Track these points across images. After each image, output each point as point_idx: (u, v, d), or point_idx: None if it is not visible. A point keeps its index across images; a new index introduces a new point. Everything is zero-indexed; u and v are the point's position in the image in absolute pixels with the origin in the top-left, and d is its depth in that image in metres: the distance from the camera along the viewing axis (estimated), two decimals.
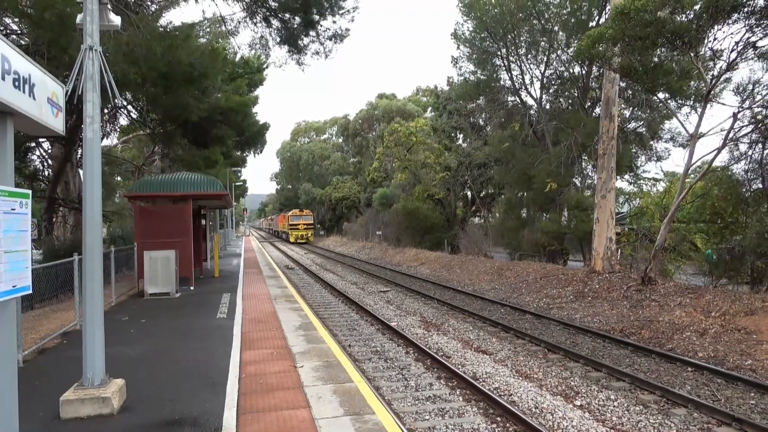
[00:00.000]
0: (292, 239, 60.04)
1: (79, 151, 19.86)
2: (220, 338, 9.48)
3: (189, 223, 16.26)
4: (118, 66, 12.36)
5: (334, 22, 19.04)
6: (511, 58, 28.56)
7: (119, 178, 34.33)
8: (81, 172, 18.95)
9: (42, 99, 4.27)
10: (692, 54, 14.09)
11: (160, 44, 13.09)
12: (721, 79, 15.58)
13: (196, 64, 14.93)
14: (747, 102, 15.24)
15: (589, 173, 27.35)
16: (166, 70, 14.38)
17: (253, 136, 29.44)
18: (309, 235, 61.19)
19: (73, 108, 14.86)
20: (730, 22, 13.42)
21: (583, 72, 26.62)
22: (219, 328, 10.37)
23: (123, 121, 24.33)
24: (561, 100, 29.72)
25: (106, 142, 26.04)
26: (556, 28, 26.83)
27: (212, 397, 6.28)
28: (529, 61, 28.89)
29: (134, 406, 6.04)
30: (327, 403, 6.16)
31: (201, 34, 18.64)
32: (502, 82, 30.07)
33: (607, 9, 23.57)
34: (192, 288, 16.27)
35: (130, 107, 21.68)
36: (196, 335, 9.79)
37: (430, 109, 56.75)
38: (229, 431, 5.30)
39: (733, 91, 16.39)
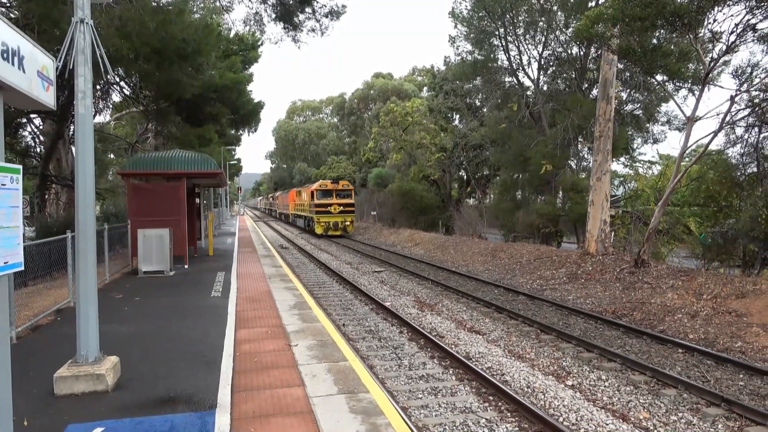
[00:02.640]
0: (319, 229, 35.19)
1: (72, 127, 19.65)
2: (215, 317, 9.49)
3: (183, 202, 16.17)
4: (111, 41, 12.18)
5: None
6: (509, 38, 28.30)
7: (112, 156, 34.06)
8: (73, 148, 18.74)
9: (32, 72, 4.17)
10: (691, 36, 13.98)
11: (153, 19, 12.89)
12: (720, 61, 15.51)
13: (189, 40, 14.75)
14: (745, 85, 15.20)
15: (585, 155, 27.34)
16: (159, 46, 14.20)
17: (248, 115, 29.22)
18: (348, 222, 35.78)
19: (65, 84, 14.66)
20: (731, 3, 13.30)
21: (581, 53, 26.44)
22: (213, 307, 10.38)
23: (116, 97, 24.09)
24: (558, 81, 29.56)
25: (98, 119, 25.78)
26: (555, 7, 26.57)
27: (207, 375, 6.30)
28: (527, 42, 28.65)
29: (129, 384, 6.05)
30: (321, 381, 6.19)
31: (195, 9, 18.38)
32: (499, 63, 29.85)
33: None
34: (186, 266, 16.25)
35: (122, 83, 21.42)
36: (190, 313, 9.80)
37: (426, 89, 56.35)
38: (223, 408, 5.32)
39: (731, 74, 16.35)
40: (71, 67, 5.87)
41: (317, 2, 18.95)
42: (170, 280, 13.97)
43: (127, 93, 22.29)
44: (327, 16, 19.33)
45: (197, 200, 23.14)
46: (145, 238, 14.28)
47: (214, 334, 8.21)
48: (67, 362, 5.96)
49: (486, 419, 6.35)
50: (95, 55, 6.03)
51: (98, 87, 20.37)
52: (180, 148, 20.52)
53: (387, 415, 5.21)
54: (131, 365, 6.58)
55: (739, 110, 15.36)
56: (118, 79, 20.31)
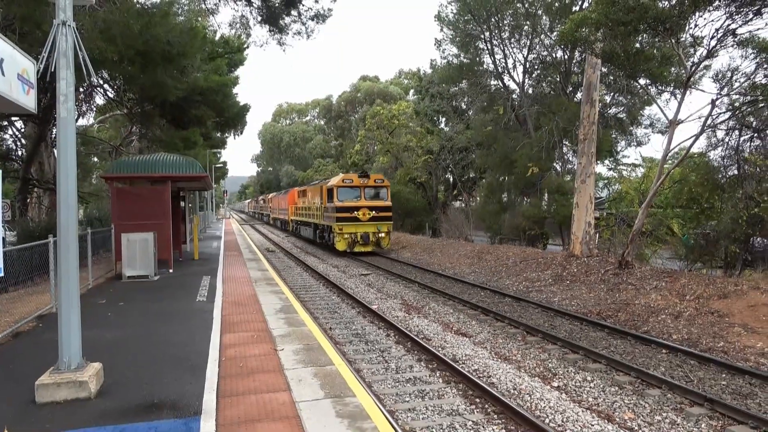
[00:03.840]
0: (341, 244, 24.68)
1: (54, 130, 19.40)
2: (200, 321, 9.41)
3: (168, 205, 16.03)
4: (94, 43, 12.06)
5: (317, 1, 18.81)
6: (494, 42, 28.49)
7: (96, 159, 33.69)
8: (56, 152, 18.52)
9: (12, 75, 4.12)
10: (673, 40, 14.18)
11: (137, 22, 12.79)
12: (701, 66, 15.74)
13: (174, 42, 14.65)
14: (725, 89, 15.44)
15: (570, 158, 27.57)
16: (144, 49, 14.09)
17: (234, 117, 29.07)
18: (384, 233, 25.09)
19: (47, 86, 14.49)
20: (711, 8, 13.51)
21: (566, 57, 26.69)
22: (199, 311, 10.29)
23: (99, 100, 23.85)
24: (543, 84, 29.80)
25: (82, 121, 25.48)
26: (539, 11, 26.80)
27: (192, 381, 6.24)
28: (512, 45, 28.86)
29: (112, 390, 5.97)
30: (307, 385, 6.16)
31: (180, 12, 18.25)
32: (485, 66, 30.04)
33: None
34: (171, 271, 16.10)
35: (106, 86, 21.22)
36: (175, 318, 9.71)
37: (412, 92, 56.49)
38: (208, 414, 5.28)
39: (712, 78, 16.59)
40: (53, 69, 5.80)
41: (303, 5, 18.95)
42: (155, 284, 13.84)
43: (111, 96, 22.09)
44: (313, 20, 19.34)
45: (182, 204, 22.94)
46: (129, 242, 14.13)
47: (199, 339, 8.14)
48: (49, 369, 5.87)
49: (473, 421, 6.36)
50: (78, 57, 5.97)
51: (81, 90, 20.15)
52: (165, 151, 20.36)
53: (374, 419, 5.20)
54: (115, 371, 6.50)
55: (720, 114, 15.61)
56: (101, 82, 20.13)
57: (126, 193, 16.24)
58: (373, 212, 24.42)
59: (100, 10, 12.41)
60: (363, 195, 24.64)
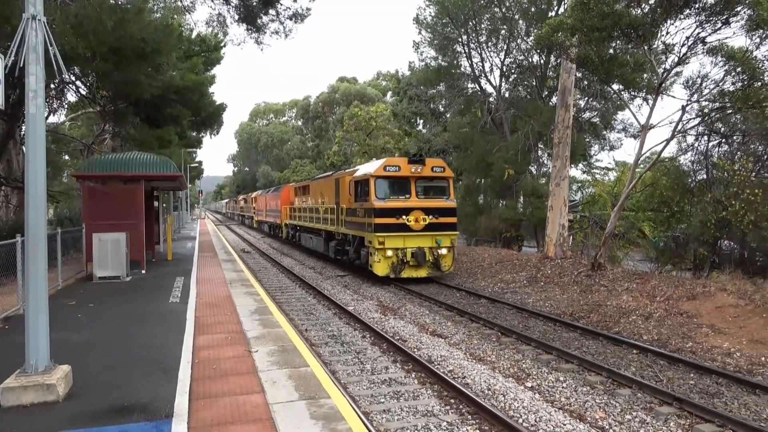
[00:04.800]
0: (381, 266, 16.17)
1: (23, 127, 18.93)
2: (173, 323, 9.27)
3: (141, 205, 15.79)
4: (66, 39, 11.81)
5: (295, 0, 18.70)
6: (471, 45, 28.72)
7: (67, 157, 32.94)
8: (25, 149, 18.09)
9: None
10: (646, 47, 14.49)
11: (110, 17, 12.55)
12: (672, 72, 16.09)
13: (149, 39, 14.45)
14: (695, 96, 15.80)
15: (545, 161, 27.93)
16: (117, 45, 13.86)
17: (210, 117, 28.77)
18: (446, 250, 16.76)
19: (16, 82, 14.12)
20: (682, 16, 13.84)
21: (542, 61, 27.05)
22: (171, 313, 10.14)
23: (71, 97, 23.35)
24: (520, 88, 30.15)
25: (53, 119, 24.94)
26: (516, 16, 27.12)
27: (163, 383, 6.15)
28: (489, 49, 29.14)
29: (81, 393, 5.85)
30: (282, 387, 6.12)
31: (155, 8, 18.00)
32: (462, 69, 30.25)
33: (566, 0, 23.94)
34: (144, 271, 15.84)
35: (78, 83, 20.78)
36: (147, 320, 9.55)
37: (390, 93, 56.65)
38: (180, 417, 5.20)
39: (682, 84, 16.96)
40: (22, 65, 5.67)
41: (281, 5, 18.84)
42: (127, 285, 13.60)
43: (84, 93, 21.63)
44: (291, 19, 19.23)
45: (156, 203, 22.61)
46: (100, 243, 13.86)
47: (172, 341, 8.02)
48: (15, 372, 5.73)
49: (447, 422, 6.39)
50: (48, 53, 5.84)
51: (52, 86, 19.71)
52: (138, 150, 20.04)
53: (348, 421, 5.19)
54: (84, 374, 6.36)
55: (690, 119, 15.97)
56: (73, 78, 19.71)
57: (98, 192, 15.94)
58: (430, 217, 16.23)
59: (72, 5, 12.16)
60: (414, 190, 16.51)
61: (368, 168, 17.53)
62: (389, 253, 15.99)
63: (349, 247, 18.69)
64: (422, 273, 16.52)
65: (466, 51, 28.94)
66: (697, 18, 13.78)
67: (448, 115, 38.12)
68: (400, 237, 16.06)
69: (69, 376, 5.98)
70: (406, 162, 16.56)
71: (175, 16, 20.07)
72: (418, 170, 16.54)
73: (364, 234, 16.74)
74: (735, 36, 15.56)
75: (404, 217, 16.04)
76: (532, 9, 26.17)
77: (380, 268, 16.08)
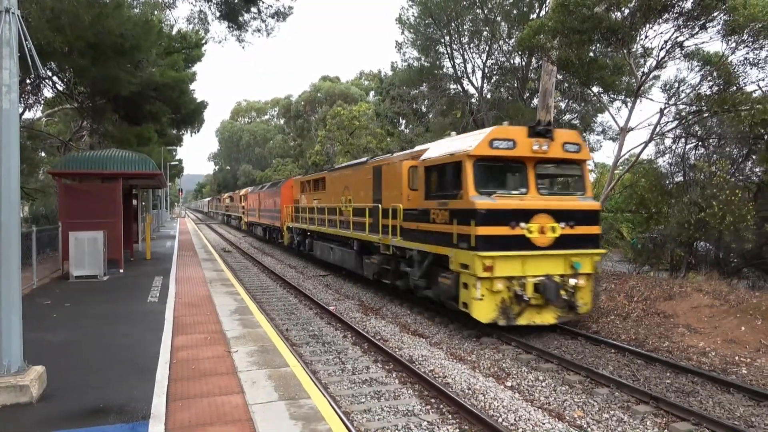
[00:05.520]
0: (484, 307, 9.54)
1: None
2: (151, 323, 9.15)
3: (119, 203, 15.56)
4: (42, 33, 11.58)
5: None
6: (454, 46, 28.81)
7: (43, 154, 32.30)
8: None
9: None
10: (625, 51, 14.70)
11: (88, 12, 12.33)
12: (651, 76, 16.36)
13: (127, 35, 14.23)
14: (673, 99, 16.09)
15: None
16: (95, 41, 13.63)
17: (190, 114, 28.45)
18: (585, 275, 10.22)
19: None
20: (661, 21, 14.08)
21: (523, 63, 27.24)
22: (150, 313, 10.01)
23: (48, 92, 22.91)
24: (501, 90, 30.32)
25: (28, 114, 24.41)
26: (498, 18, 27.26)
27: (140, 384, 6.06)
28: (471, 50, 29.25)
29: (55, 395, 5.74)
30: (261, 388, 6.07)
31: (134, 4, 17.73)
32: (444, 70, 30.34)
33: (547, 3, 24.17)
34: (121, 271, 15.61)
35: (55, 78, 20.39)
36: (124, 320, 9.41)
37: (372, 93, 56.63)
38: (157, 418, 5.13)
39: (660, 88, 17.28)
40: None
41: (263, 2, 18.68)
42: (104, 285, 13.39)
43: (61, 89, 21.24)
44: (273, 17, 19.08)
45: (134, 202, 22.30)
46: (77, 241, 13.64)
47: (150, 341, 7.91)
48: None
49: (428, 422, 6.40)
50: (23, 47, 5.72)
51: (28, 81, 19.31)
52: (117, 148, 19.73)
53: (328, 421, 5.17)
54: (59, 375, 6.24)
55: (668, 122, 16.26)
56: (50, 74, 19.33)
57: (75, 190, 15.69)
58: (562, 225, 10.12)
59: None
60: (534, 181, 10.36)
61: (457, 144, 10.69)
62: (499, 285, 9.52)
63: (410, 268, 12.16)
64: (549, 318, 10.03)
65: (449, 52, 29.04)
66: (675, 22, 14.03)
67: (430, 116, 38.23)
68: (518, 258, 9.64)
69: (43, 377, 5.86)
70: (525, 134, 10.03)
71: (155, 12, 19.79)
72: (543, 148, 10.09)
73: (448, 251, 10.25)
74: (711, 41, 15.89)
75: (523, 225, 9.68)
76: (514, 11, 26.36)
77: (483, 310, 9.53)
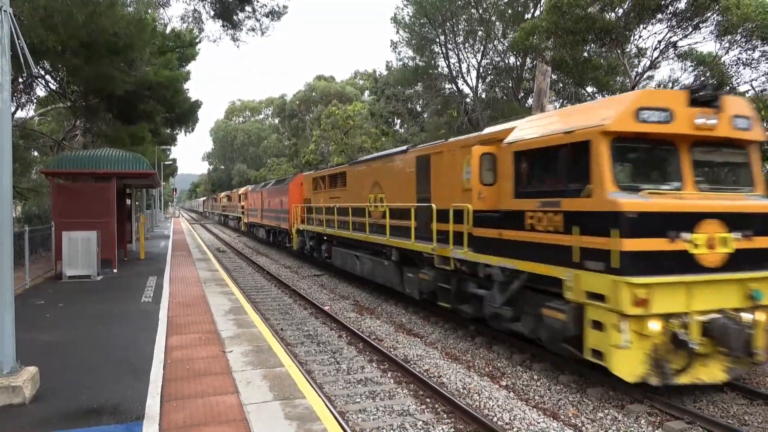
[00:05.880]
0: (625, 361, 6.45)
1: None
2: (145, 323, 9.11)
3: (112, 203, 15.49)
4: (35, 32, 11.51)
5: None
6: (449, 46, 28.87)
7: (36, 153, 32.13)
8: None
9: None
10: (619, 51, 14.75)
11: (81, 11, 12.25)
12: (645, 76, 16.45)
13: (121, 34, 14.16)
14: None
15: None
16: (89, 39, 13.56)
17: (184, 113, 28.35)
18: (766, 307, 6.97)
19: None
20: (655, 21, 14.14)
21: (518, 63, 27.32)
22: (144, 313, 9.97)
23: (40, 91, 22.76)
24: (496, 89, 30.42)
25: (21, 113, 24.27)
26: (493, 18, 27.34)
27: (135, 384, 6.04)
28: (466, 50, 29.33)
29: (49, 395, 5.71)
30: (256, 388, 6.06)
31: (128, 2, 17.65)
32: (439, 70, 30.42)
33: (542, 2, 24.23)
34: (115, 270, 15.54)
35: (48, 77, 20.28)
36: (118, 320, 9.37)
37: (367, 92, 56.64)
38: (152, 419, 5.11)
39: (654, 88, 17.33)
40: None
41: (257, 1, 18.65)
42: (97, 285, 13.33)
43: (54, 87, 21.12)
44: (267, 16, 19.05)
45: (128, 201, 22.21)
46: (70, 241, 13.57)
47: (144, 341, 7.88)
48: None
49: (423, 421, 6.40)
50: (15, 46, 5.68)
51: (20, 80, 19.20)
52: (110, 147, 19.64)
53: (323, 421, 5.16)
54: (52, 376, 6.21)
55: None
56: (43, 73, 19.22)
57: (68, 189, 15.61)
58: (737, 235, 6.88)
59: None
60: (690, 170, 7.16)
61: (577, 117, 7.65)
62: (655, 326, 6.63)
63: (486, 291, 9.25)
64: (717, 374, 7.01)
65: (444, 51, 29.11)
66: (669, 23, 14.10)
67: (425, 115, 38.28)
68: (681, 286, 6.73)
69: (36, 378, 5.83)
70: (684, 101, 6.94)
71: (149, 11, 19.71)
72: (710, 122, 7.02)
73: (562, 272, 7.28)
74: (705, 41, 15.99)
75: (686, 236, 6.73)
76: (509, 11, 26.45)
77: (628, 363, 6.63)
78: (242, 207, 38.99)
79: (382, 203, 13.46)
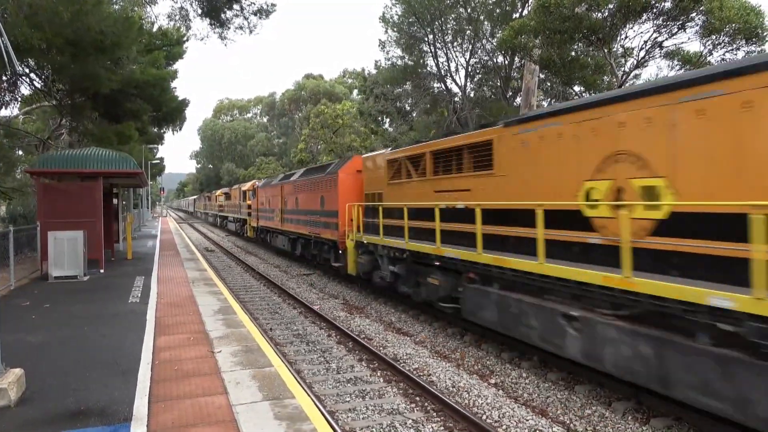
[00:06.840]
0: None
1: None
2: (132, 323, 9.03)
3: (99, 203, 15.34)
4: (19, 30, 11.35)
5: None
6: (437, 45, 28.93)
7: (21, 153, 31.71)
8: None
9: None
10: (606, 50, 14.86)
11: (67, 8, 12.11)
12: (631, 75, 16.58)
13: (107, 32, 14.01)
14: None
15: None
16: (74, 37, 13.40)
17: (172, 112, 28.11)
18: None
19: None
20: (641, 21, 14.26)
21: (506, 62, 27.43)
22: (131, 313, 9.89)
23: (25, 90, 22.40)
24: (484, 88, 30.52)
25: (5, 112, 24.02)
26: (481, 17, 27.43)
27: (122, 386, 5.99)
28: (455, 49, 29.40)
29: (35, 397, 5.64)
30: (245, 388, 6.03)
31: (115, 0, 17.50)
32: (428, 69, 30.47)
33: (530, 2, 24.34)
34: (102, 271, 15.39)
35: (33, 75, 19.99)
36: (105, 321, 9.28)
37: (356, 91, 56.53)
38: (139, 420, 5.07)
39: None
40: None
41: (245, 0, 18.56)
42: (84, 285, 13.19)
43: (39, 86, 20.82)
44: (256, 14, 18.96)
45: (115, 201, 22.02)
46: (56, 241, 13.42)
47: (131, 342, 7.81)
48: None
49: (413, 420, 6.42)
50: None
51: (4, 78, 18.93)
52: (97, 146, 19.44)
53: (313, 421, 5.15)
54: (38, 377, 6.14)
55: None
56: (27, 71, 18.96)
57: (54, 189, 15.44)
58: None
59: None
60: None
61: None
62: None
63: None
64: None
65: (432, 50, 29.16)
66: (655, 22, 14.22)
67: (414, 114, 38.30)
68: None
69: (22, 380, 5.76)
70: None
71: (136, 9, 19.56)
72: None
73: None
74: (690, 41, 16.15)
75: None
76: (497, 10, 26.53)
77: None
78: (248, 207, 32.64)
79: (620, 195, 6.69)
